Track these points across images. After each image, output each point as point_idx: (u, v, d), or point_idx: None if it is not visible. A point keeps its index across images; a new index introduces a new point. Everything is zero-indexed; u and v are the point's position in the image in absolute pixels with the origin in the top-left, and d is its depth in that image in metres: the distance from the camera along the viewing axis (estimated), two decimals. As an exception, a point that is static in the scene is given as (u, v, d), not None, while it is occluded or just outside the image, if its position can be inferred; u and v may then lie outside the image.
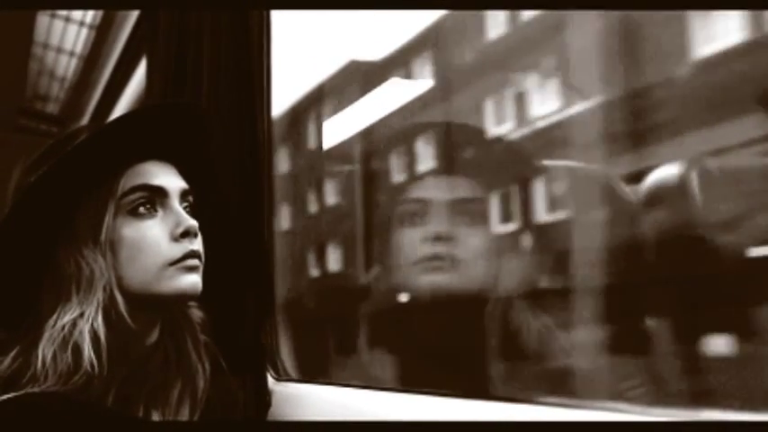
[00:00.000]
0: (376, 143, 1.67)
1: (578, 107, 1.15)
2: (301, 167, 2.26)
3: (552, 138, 1.28)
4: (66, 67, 3.63)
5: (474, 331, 1.07)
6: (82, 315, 0.87)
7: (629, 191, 1.05)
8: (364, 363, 1.18)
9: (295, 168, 2.24)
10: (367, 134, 1.63)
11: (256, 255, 1.21)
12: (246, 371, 1.15)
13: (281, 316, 1.33)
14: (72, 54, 3.44)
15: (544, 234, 1.21)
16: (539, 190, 1.22)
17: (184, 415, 0.96)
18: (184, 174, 0.99)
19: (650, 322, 0.97)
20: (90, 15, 3.06)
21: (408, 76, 1.77)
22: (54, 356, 0.84)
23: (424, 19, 1.59)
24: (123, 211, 0.92)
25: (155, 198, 0.94)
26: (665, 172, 1.00)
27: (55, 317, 0.87)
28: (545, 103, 1.37)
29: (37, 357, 0.84)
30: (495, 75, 1.50)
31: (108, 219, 0.91)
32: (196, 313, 1.02)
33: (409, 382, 1.12)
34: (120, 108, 2.89)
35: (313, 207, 2.30)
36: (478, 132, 1.37)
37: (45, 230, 0.91)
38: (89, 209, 0.91)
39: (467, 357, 1.06)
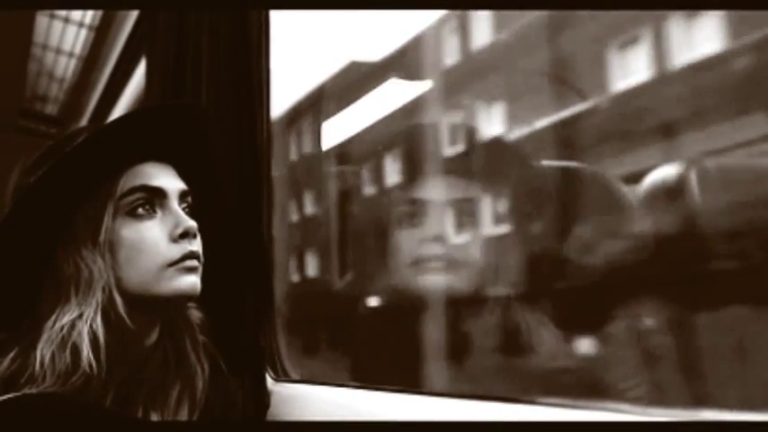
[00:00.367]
0: (349, 153, 1.69)
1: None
2: (285, 174, 2.26)
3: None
4: (66, 67, 3.63)
5: (416, 333, 1.13)
6: (81, 316, 0.87)
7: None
8: (326, 360, 1.21)
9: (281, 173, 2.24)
10: (344, 144, 1.65)
11: (255, 255, 1.21)
12: (245, 371, 1.15)
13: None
14: (71, 55, 3.44)
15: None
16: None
17: (183, 415, 0.96)
18: (183, 175, 0.99)
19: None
20: (89, 16, 3.05)
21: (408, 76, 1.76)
22: (53, 357, 0.84)
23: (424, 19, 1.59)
24: (122, 212, 0.92)
25: (154, 199, 0.94)
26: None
27: (54, 317, 0.87)
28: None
29: (36, 358, 0.84)
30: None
31: (107, 220, 0.91)
32: (195, 314, 1.02)
33: (360, 378, 1.20)
34: (120, 109, 2.89)
35: (294, 216, 2.30)
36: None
37: (44, 231, 0.90)
38: (88, 210, 0.91)
39: (405, 356, 1.13)
